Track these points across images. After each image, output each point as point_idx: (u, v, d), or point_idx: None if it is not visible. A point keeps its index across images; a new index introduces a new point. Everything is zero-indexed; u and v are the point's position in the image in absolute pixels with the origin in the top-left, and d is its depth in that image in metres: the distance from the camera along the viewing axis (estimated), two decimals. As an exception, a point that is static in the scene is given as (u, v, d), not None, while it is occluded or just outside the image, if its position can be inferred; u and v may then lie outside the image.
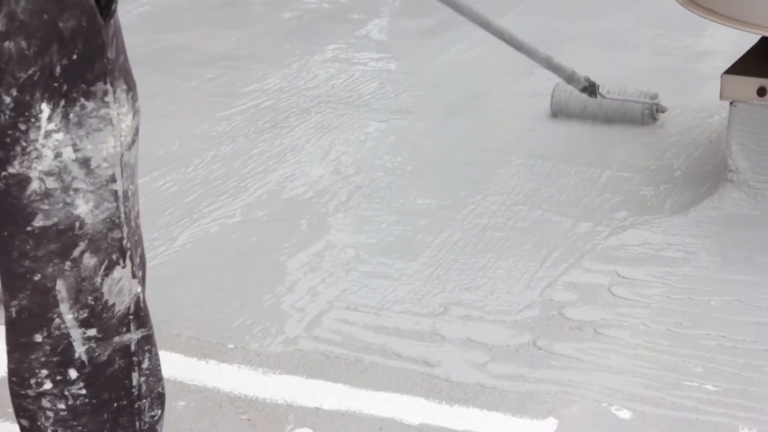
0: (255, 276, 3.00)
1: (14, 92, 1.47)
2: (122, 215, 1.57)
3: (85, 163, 1.52)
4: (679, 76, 4.26)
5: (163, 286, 2.94)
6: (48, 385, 1.62)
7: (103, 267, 1.57)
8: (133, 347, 1.65)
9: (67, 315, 1.57)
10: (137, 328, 1.66)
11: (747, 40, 3.35)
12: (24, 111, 1.48)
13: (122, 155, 1.56)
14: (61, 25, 1.46)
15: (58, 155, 1.50)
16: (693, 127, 3.80)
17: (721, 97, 3.18)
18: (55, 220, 1.52)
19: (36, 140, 1.49)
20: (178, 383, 2.54)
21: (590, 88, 3.64)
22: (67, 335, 1.58)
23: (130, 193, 1.59)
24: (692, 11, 3.14)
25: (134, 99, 1.58)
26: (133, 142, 1.59)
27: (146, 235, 3.16)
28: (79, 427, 1.64)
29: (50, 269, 1.55)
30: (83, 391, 1.62)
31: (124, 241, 1.59)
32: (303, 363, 2.63)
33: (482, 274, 2.97)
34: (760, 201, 3.18)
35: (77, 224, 1.53)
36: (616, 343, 2.67)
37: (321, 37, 4.74)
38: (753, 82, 3.11)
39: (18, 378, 1.63)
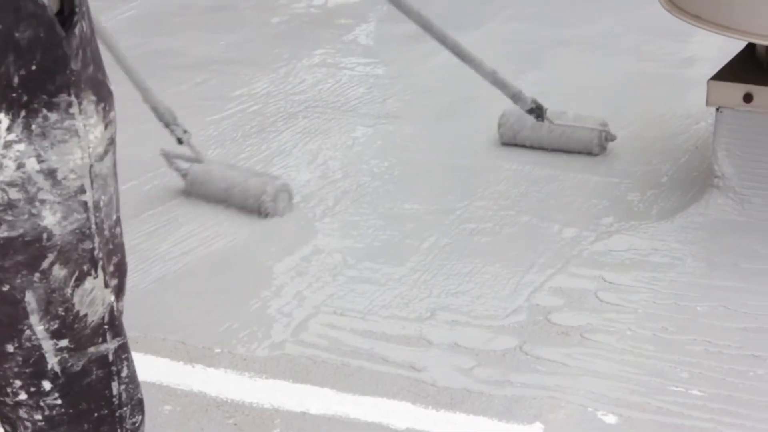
0: (242, 280, 2.99)
1: None
2: (93, 226, 1.55)
3: (50, 174, 1.49)
4: (666, 82, 4.27)
5: (149, 291, 2.94)
6: (23, 396, 1.60)
7: (73, 278, 1.54)
8: (111, 357, 1.63)
9: (38, 326, 1.54)
10: (113, 338, 1.63)
11: (733, 47, 3.36)
12: None
13: (92, 166, 1.53)
14: (17, 35, 1.43)
15: (20, 166, 1.47)
16: (679, 133, 3.81)
17: (708, 103, 3.19)
18: (21, 231, 1.49)
19: None
20: (164, 387, 2.54)
21: (537, 111, 3.51)
22: (39, 347, 1.56)
23: (102, 203, 1.57)
24: (678, 17, 3.15)
25: (106, 110, 1.56)
26: (106, 152, 1.56)
27: (132, 239, 3.17)
28: None
29: (18, 280, 1.52)
30: (59, 402, 1.60)
31: (96, 252, 1.56)
32: (289, 367, 2.63)
33: (469, 279, 2.97)
34: (746, 207, 3.19)
35: (44, 235, 1.50)
36: (603, 348, 2.67)
37: (308, 41, 4.74)
38: (739, 89, 3.12)
39: None
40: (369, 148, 3.76)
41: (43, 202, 1.49)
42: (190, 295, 2.93)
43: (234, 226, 3.26)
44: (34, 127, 1.47)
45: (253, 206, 3.31)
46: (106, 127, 1.55)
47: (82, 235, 1.53)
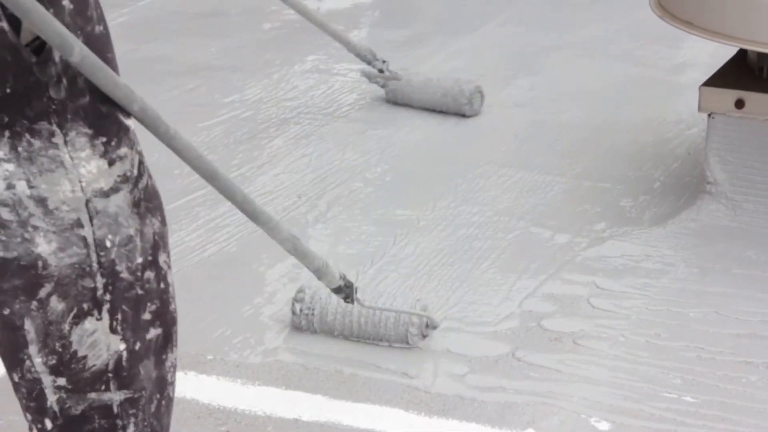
0: (234, 287, 2.99)
1: None
2: (94, 264, 1.48)
3: (41, 201, 1.44)
4: (658, 88, 4.27)
5: (141, 297, 2.93)
6: (34, 431, 1.57)
7: (71, 314, 1.49)
8: (116, 409, 1.56)
9: (36, 358, 1.50)
10: (119, 389, 1.55)
11: (725, 53, 3.36)
12: None
13: (89, 201, 1.46)
14: None
15: (10, 186, 1.43)
16: (671, 139, 3.81)
17: (700, 109, 3.19)
18: (15, 254, 1.46)
19: None
20: (156, 395, 2.54)
21: (346, 290, 2.51)
22: (39, 380, 1.52)
23: (109, 242, 1.49)
24: (670, 23, 3.16)
25: (111, 145, 1.48)
26: (115, 190, 1.49)
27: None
28: None
29: (17, 305, 1.48)
30: None
31: (99, 292, 1.49)
32: (282, 374, 2.63)
33: (461, 285, 2.97)
34: (738, 213, 3.19)
35: (40, 263, 1.46)
36: (595, 354, 2.67)
37: (301, 47, 4.74)
38: (731, 95, 3.12)
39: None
40: (361, 154, 3.76)
41: (36, 228, 1.45)
42: (182, 301, 2.90)
43: (226, 233, 3.26)
44: (20, 149, 1.43)
45: (451, 106, 3.99)
46: (110, 163, 1.48)
47: (82, 271, 1.48)
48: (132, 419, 1.57)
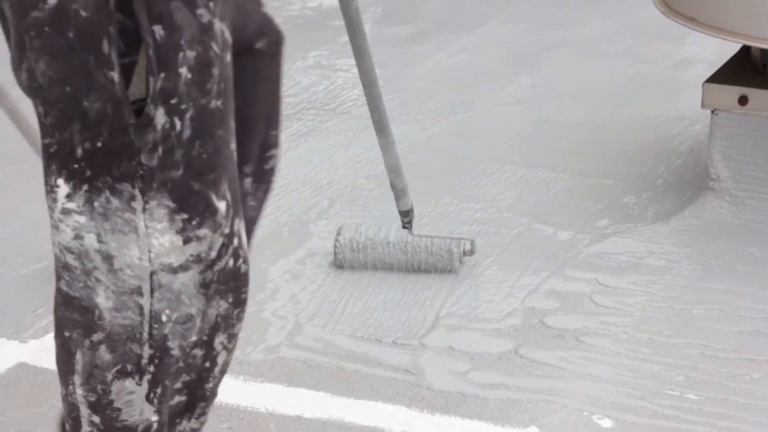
0: (236, 283, 2.98)
1: (42, 150, 1.41)
2: (145, 334, 1.47)
3: (107, 258, 1.43)
4: (661, 85, 4.27)
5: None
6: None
7: (116, 368, 1.49)
8: None
9: (78, 389, 1.52)
10: None
11: (728, 49, 3.36)
12: (46, 175, 1.42)
13: (154, 273, 1.44)
14: (85, 104, 1.35)
15: (78, 237, 1.42)
16: (675, 136, 3.80)
17: (703, 105, 3.18)
18: (77, 294, 1.46)
19: (54, 209, 1.42)
20: (158, 391, 2.53)
21: (411, 215, 2.86)
22: (77, 407, 1.53)
23: (166, 317, 1.48)
24: (673, 20, 3.15)
25: (192, 224, 1.44)
26: (185, 269, 1.46)
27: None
28: None
29: (75, 335, 1.49)
30: None
31: (144, 361, 1.49)
32: (284, 371, 2.62)
33: (464, 282, 2.96)
34: (741, 210, 3.19)
35: (96, 312, 1.46)
36: (598, 351, 2.67)
37: (303, 43, 4.74)
38: (734, 91, 3.11)
39: None
40: (363, 150, 3.76)
41: (98, 281, 1.45)
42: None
43: (228, 229, 3.25)
44: (96, 204, 1.40)
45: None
46: (186, 241, 1.45)
47: (133, 335, 1.48)
48: None
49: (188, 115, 1.39)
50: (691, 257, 3.05)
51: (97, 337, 1.47)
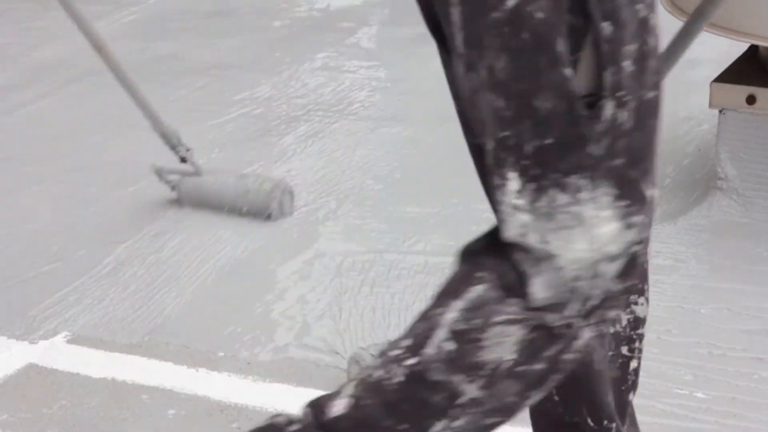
0: (245, 284, 2.99)
1: (492, 144, 1.39)
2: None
3: (548, 258, 1.42)
4: (668, 84, 4.24)
5: (152, 296, 2.93)
6: None
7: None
8: None
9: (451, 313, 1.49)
10: None
11: (736, 48, 3.35)
12: (497, 167, 1.40)
13: (597, 263, 1.43)
14: (536, 103, 1.35)
15: (522, 235, 1.40)
16: (682, 135, 3.80)
17: (711, 105, 3.18)
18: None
19: (501, 202, 1.41)
20: (167, 392, 2.54)
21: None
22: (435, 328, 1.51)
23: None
24: (680, 19, 3.15)
25: (631, 210, 1.43)
26: (621, 257, 1.45)
27: (134, 245, 3.17)
28: None
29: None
30: None
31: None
32: (293, 371, 2.63)
33: (472, 282, 2.96)
34: (749, 209, 3.19)
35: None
36: (606, 351, 2.67)
37: (310, 45, 4.74)
38: (742, 90, 3.11)
39: None
40: (371, 152, 3.76)
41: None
42: (193, 299, 2.93)
43: (237, 231, 3.26)
44: (538, 204, 1.39)
45: (256, 209, 3.32)
46: (625, 227, 1.44)
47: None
48: None
49: (631, 106, 1.41)
50: (699, 257, 3.04)
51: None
